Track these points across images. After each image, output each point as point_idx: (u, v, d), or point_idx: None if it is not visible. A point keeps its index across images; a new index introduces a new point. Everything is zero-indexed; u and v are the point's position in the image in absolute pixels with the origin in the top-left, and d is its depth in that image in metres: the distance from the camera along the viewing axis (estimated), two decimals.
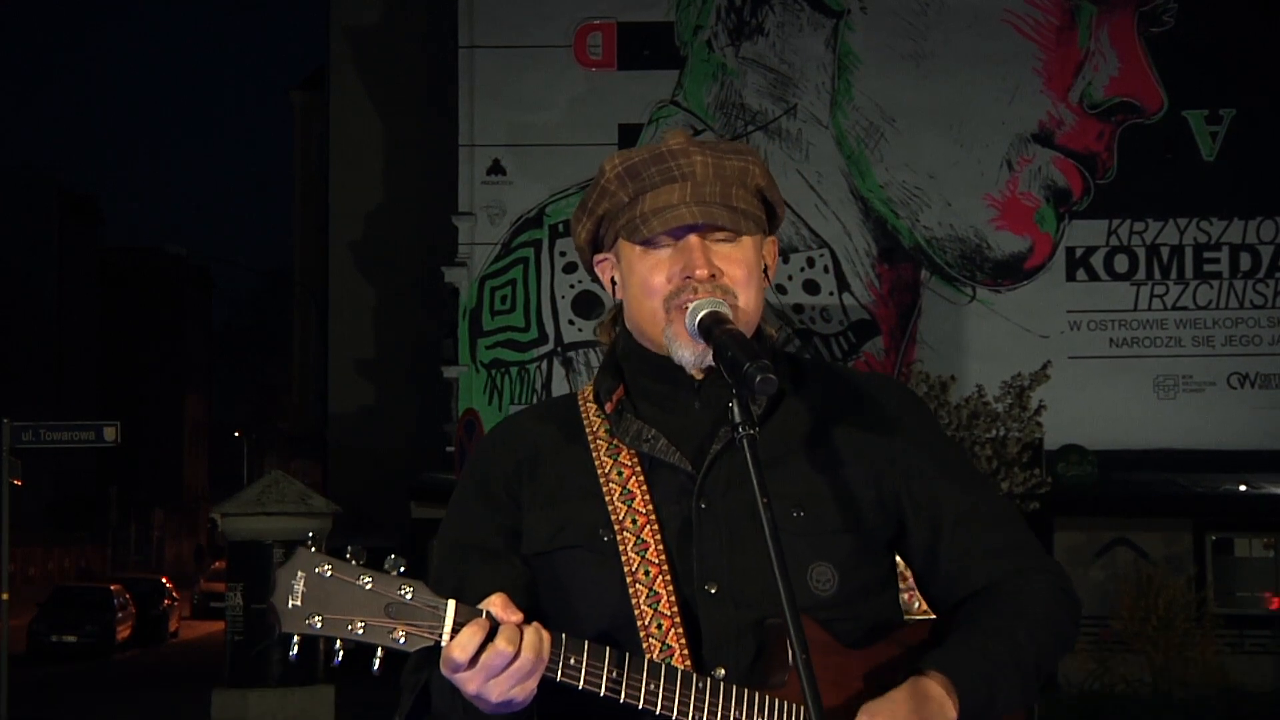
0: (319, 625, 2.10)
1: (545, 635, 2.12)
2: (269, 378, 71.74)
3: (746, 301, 2.34)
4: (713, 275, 2.32)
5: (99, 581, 39.18)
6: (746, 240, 2.37)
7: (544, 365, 23.67)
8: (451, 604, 2.12)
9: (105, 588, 33.59)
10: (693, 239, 2.33)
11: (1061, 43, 23.57)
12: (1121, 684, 16.64)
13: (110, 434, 16.43)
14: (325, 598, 2.10)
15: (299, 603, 2.10)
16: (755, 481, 2.11)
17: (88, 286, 59.19)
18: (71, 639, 30.21)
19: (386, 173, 31.33)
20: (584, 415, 2.44)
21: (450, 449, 22.73)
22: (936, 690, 2.21)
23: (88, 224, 59.73)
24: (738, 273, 2.34)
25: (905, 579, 2.55)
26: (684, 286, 2.32)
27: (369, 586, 2.11)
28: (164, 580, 38.80)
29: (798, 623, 2.08)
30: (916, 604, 2.57)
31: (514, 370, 23.79)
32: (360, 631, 2.10)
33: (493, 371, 23.90)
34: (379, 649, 2.12)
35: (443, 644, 2.11)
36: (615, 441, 2.38)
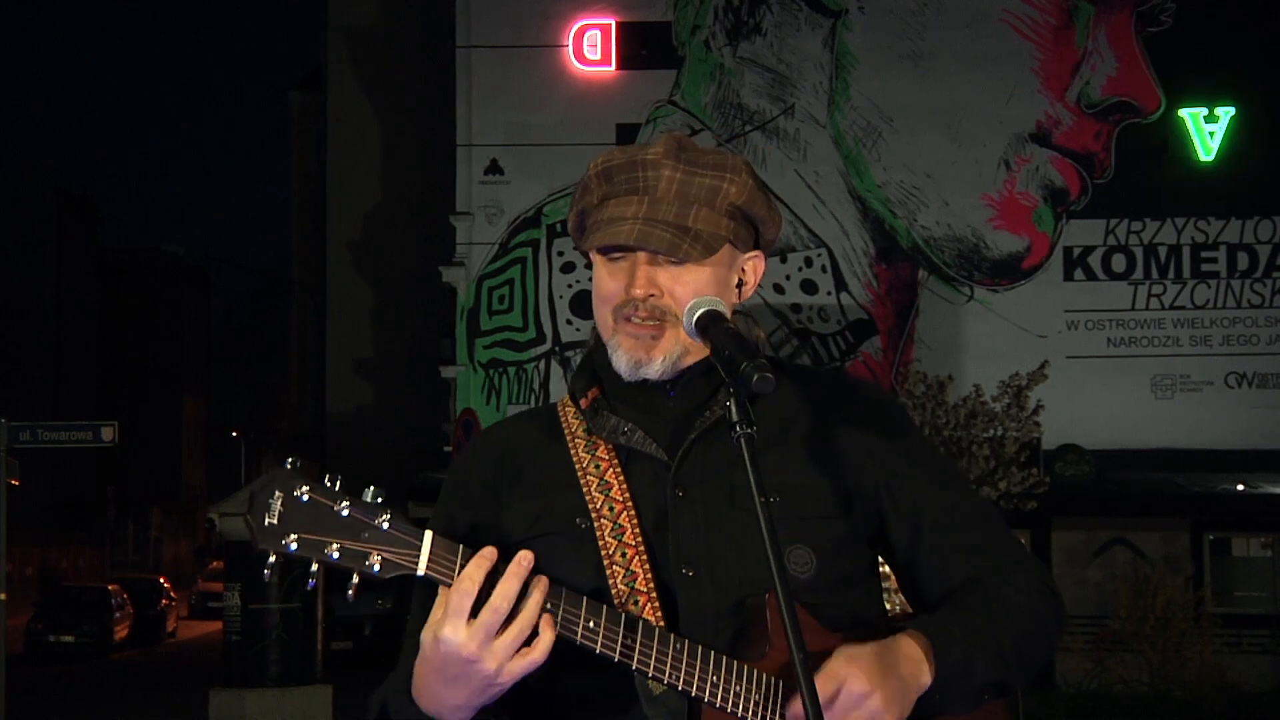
0: (294, 546, 2.09)
1: (548, 620, 2.12)
2: (267, 377, 71.78)
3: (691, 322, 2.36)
4: (651, 295, 2.34)
5: (96, 581, 39.19)
6: (706, 262, 2.38)
7: (542, 365, 23.68)
8: (429, 534, 2.13)
9: (103, 588, 33.58)
10: (640, 255, 2.36)
11: (1059, 42, 23.58)
12: (1119, 683, 16.66)
13: (108, 434, 16.41)
14: (302, 519, 2.10)
15: (275, 521, 2.09)
16: (753, 481, 2.12)
17: (86, 286, 59.15)
18: (69, 639, 30.21)
19: (384, 173, 31.33)
20: (563, 419, 2.48)
21: (448, 448, 22.75)
22: (914, 650, 2.24)
23: (86, 223, 59.69)
24: (682, 293, 2.35)
25: (889, 579, 2.56)
26: (627, 300, 2.36)
27: (346, 512, 2.11)
28: (161, 580, 38.80)
29: (793, 616, 2.09)
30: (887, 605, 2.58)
31: (512, 370, 23.79)
32: (336, 555, 2.09)
33: (490, 371, 23.90)
34: (354, 574, 2.11)
35: (419, 573, 2.11)
36: (593, 439, 2.42)
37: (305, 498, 2.11)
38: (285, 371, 51.55)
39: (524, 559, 2.14)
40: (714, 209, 2.39)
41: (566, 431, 2.45)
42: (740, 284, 2.45)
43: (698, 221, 2.37)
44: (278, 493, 2.10)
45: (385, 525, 2.12)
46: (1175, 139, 23.69)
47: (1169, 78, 23.31)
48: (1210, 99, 23.66)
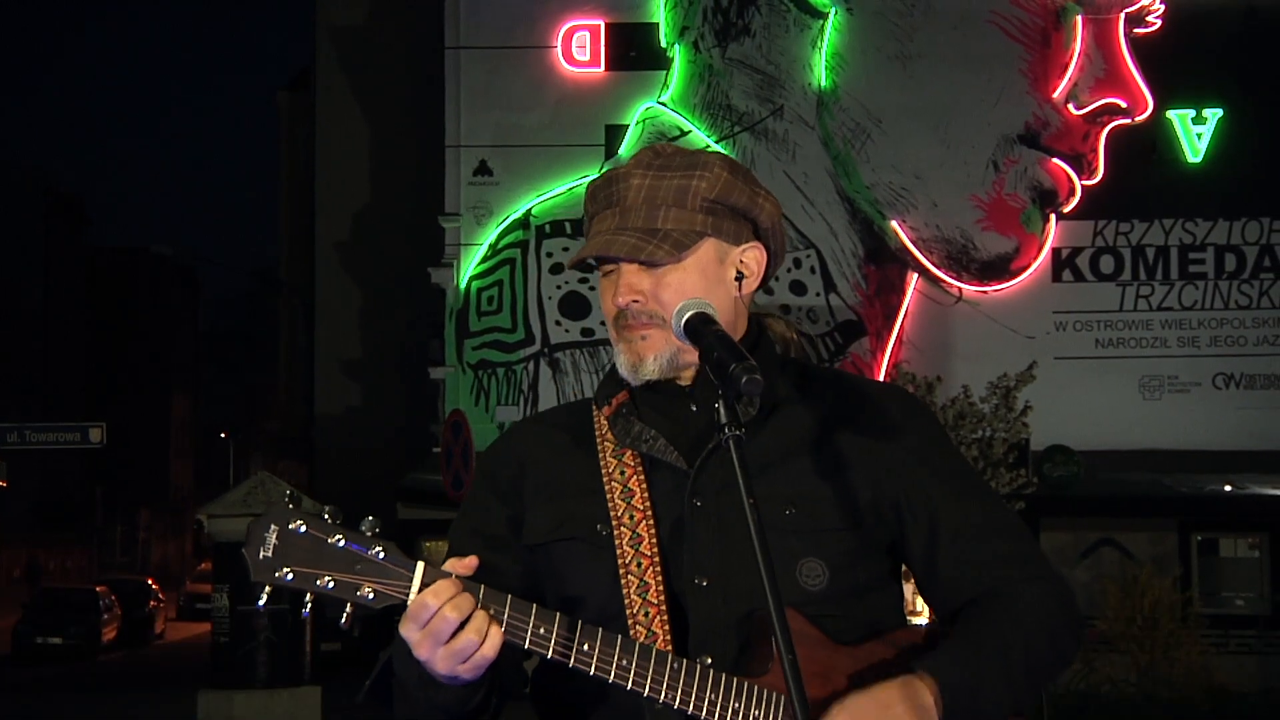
0: (289, 578, 2.17)
1: (495, 630, 2.18)
2: (255, 378, 71.71)
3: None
4: (634, 301, 2.39)
5: (84, 582, 39.11)
6: (686, 260, 2.40)
7: (530, 366, 23.65)
8: (420, 565, 2.19)
9: (90, 589, 33.52)
10: (623, 266, 2.41)
11: (1047, 44, 23.60)
12: (1107, 684, 16.66)
13: (96, 435, 16.44)
14: (297, 552, 2.17)
15: (269, 554, 2.17)
16: (741, 481, 2.14)
17: (74, 287, 59.04)
18: (56, 641, 30.13)
19: (373, 174, 31.29)
20: (596, 422, 2.51)
21: (437, 450, 22.68)
22: (925, 697, 2.24)
23: (74, 224, 59.58)
24: (666, 295, 2.38)
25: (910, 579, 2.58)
26: (618, 311, 2.42)
27: (341, 544, 2.18)
28: (149, 581, 38.75)
29: (782, 619, 2.10)
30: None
31: (500, 371, 23.77)
32: (330, 586, 2.17)
33: (479, 372, 23.88)
34: (348, 605, 2.18)
35: (409, 602, 2.17)
36: (620, 444, 2.45)
37: (301, 530, 2.18)
38: (273, 372, 51.51)
39: (469, 566, 2.22)
40: (685, 207, 2.41)
41: (598, 434, 2.48)
42: (741, 276, 2.45)
43: (667, 222, 2.40)
44: (273, 526, 2.18)
45: (380, 556, 2.19)
46: (1163, 140, 23.73)
47: (1157, 79, 23.34)
48: (1198, 100, 23.71)
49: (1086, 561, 21.52)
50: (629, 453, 2.43)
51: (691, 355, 2.38)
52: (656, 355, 2.39)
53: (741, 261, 2.46)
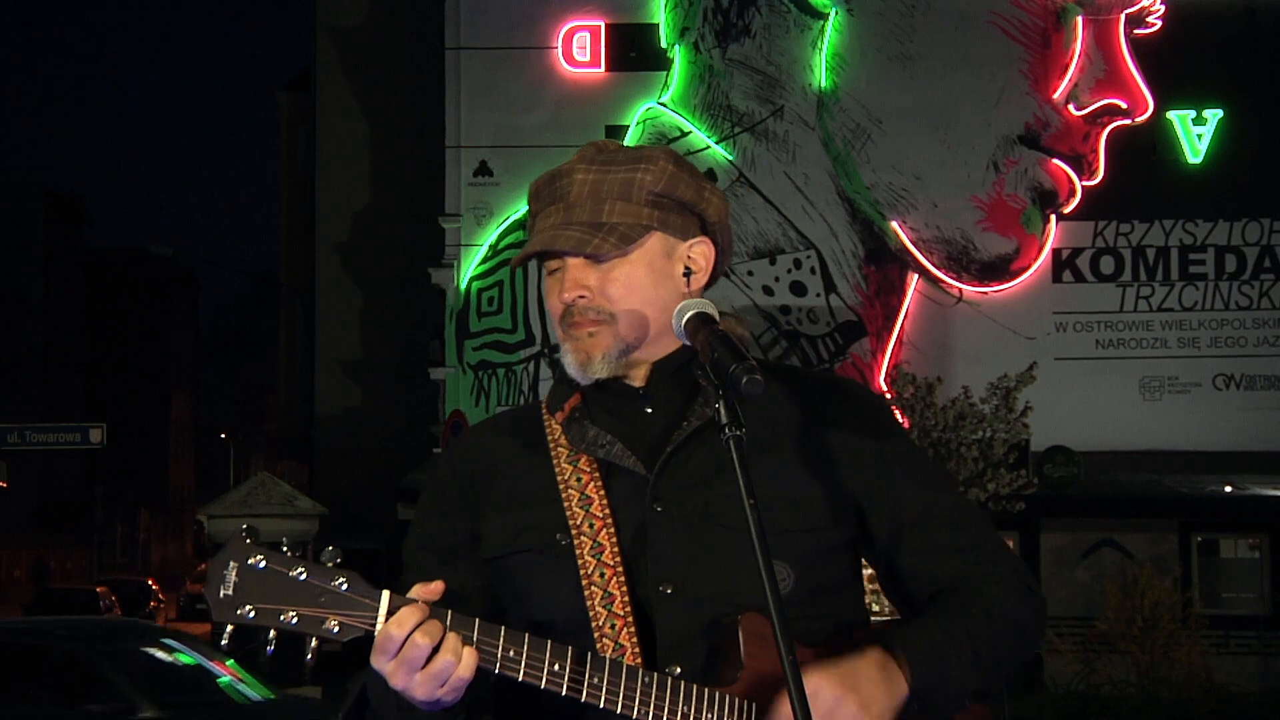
0: (251, 615, 2.14)
1: (469, 650, 2.15)
2: (255, 379, 71.70)
3: (631, 317, 2.37)
4: (580, 297, 2.37)
5: (84, 583, 39.11)
6: (632, 254, 2.38)
7: (530, 367, 23.65)
8: (385, 594, 2.16)
9: (91, 589, 33.50)
10: (568, 261, 2.39)
11: (1047, 44, 23.60)
12: (1107, 684, 16.68)
13: (96, 435, 16.45)
14: (258, 588, 2.14)
15: (230, 592, 2.15)
16: (741, 483, 2.12)
17: (73, 287, 59.02)
18: None
19: (373, 174, 31.29)
20: (546, 424, 2.47)
21: (437, 450, 22.73)
22: (889, 661, 2.25)
23: (73, 225, 59.55)
24: (613, 290, 2.37)
25: (870, 581, 2.57)
26: (564, 309, 2.39)
27: (303, 577, 2.15)
28: (150, 582, 38.74)
29: (784, 623, 2.09)
30: (877, 606, 2.59)
31: (501, 372, 23.77)
32: (294, 621, 2.14)
33: (480, 373, 23.88)
34: (313, 639, 2.16)
35: (376, 633, 2.14)
36: (575, 449, 2.41)
37: (261, 565, 2.15)
38: (273, 373, 51.51)
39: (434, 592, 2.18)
40: (630, 200, 2.39)
41: (550, 439, 2.44)
42: (689, 272, 2.43)
43: (612, 216, 2.37)
44: (232, 564, 2.16)
45: (343, 588, 2.15)
46: (1163, 141, 23.72)
47: (1157, 80, 23.34)
48: (1198, 101, 23.70)
49: (1086, 562, 21.51)
50: (584, 458, 2.39)
51: (643, 353, 2.38)
52: (605, 353, 2.36)
53: (689, 257, 2.43)
